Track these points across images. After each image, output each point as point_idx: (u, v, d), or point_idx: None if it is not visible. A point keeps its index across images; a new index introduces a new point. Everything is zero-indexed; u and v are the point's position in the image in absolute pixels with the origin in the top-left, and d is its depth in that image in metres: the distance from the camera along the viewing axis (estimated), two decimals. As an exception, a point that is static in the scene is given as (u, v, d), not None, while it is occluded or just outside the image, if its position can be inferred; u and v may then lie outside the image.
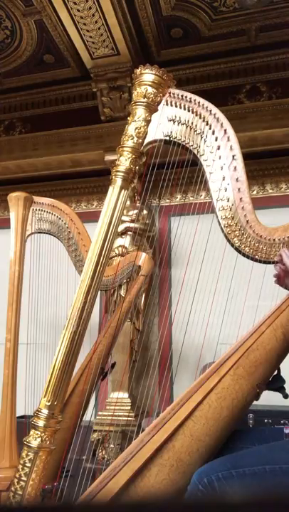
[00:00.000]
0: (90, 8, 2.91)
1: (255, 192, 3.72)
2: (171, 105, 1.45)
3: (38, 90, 4.06)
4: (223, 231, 1.42)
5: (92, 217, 3.51)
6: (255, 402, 1.34)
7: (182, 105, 1.43)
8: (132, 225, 3.44)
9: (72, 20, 3.04)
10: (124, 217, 3.31)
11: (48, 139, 3.97)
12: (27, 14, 3.32)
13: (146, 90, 1.43)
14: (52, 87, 4.01)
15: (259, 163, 3.70)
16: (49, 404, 1.26)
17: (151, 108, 1.44)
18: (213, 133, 1.41)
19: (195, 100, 1.43)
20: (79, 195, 4.22)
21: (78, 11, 2.94)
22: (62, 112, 4.05)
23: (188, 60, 3.66)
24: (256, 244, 1.39)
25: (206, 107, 1.42)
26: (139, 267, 2.65)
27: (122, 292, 3.00)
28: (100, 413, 3.20)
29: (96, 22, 3.03)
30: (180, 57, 3.64)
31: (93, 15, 2.97)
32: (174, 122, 1.44)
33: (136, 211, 3.49)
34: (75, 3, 2.89)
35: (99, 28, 3.08)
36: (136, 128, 1.42)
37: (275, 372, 1.38)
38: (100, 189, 4.10)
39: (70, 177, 4.16)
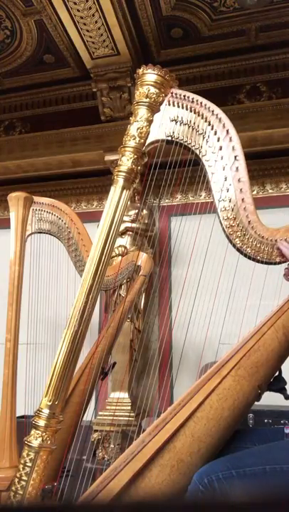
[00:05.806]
0: (90, 8, 2.91)
1: (255, 192, 3.72)
2: (174, 105, 1.44)
3: (38, 90, 4.05)
4: (224, 231, 1.42)
5: (92, 217, 3.52)
6: (255, 403, 1.34)
7: (184, 105, 1.43)
8: (132, 224, 3.44)
9: (72, 20, 3.03)
10: (124, 217, 3.30)
11: (48, 139, 3.97)
12: (27, 14, 3.32)
13: (149, 90, 1.43)
14: (52, 87, 4.01)
15: (259, 163, 3.70)
16: (50, 403, 1.26)
17: (154, 108, 1.44)
18: (216, 133, 1.40)
19: (197, 100, 1.42)
20: (79, 195, 4.22)
21: (78, 11, 2.93)
22: (62, 112, 4.05)
23: (188, 60, 3.65)
24: (258, 245, 1.39)
25: (209, 108, 1.41)
26: (139, 266, 2.65)
27: (123, 292, 3.00)
28: (100, 413, 3.19)
29: (96, 22, 3.03)
30: (180, 57, 3.63)
31: (93, 15, 2.97)
32: (176, 122, 1.43)
33: (136, 211, 3.49)
34: (75, 3, 2.89)
35: (99, 28, 3.08)
36: (138, 128, 1.42)
37: (277, 373, 1.38)
38: (100, 189, 4.10)
39: (70, 177, 4.16)
